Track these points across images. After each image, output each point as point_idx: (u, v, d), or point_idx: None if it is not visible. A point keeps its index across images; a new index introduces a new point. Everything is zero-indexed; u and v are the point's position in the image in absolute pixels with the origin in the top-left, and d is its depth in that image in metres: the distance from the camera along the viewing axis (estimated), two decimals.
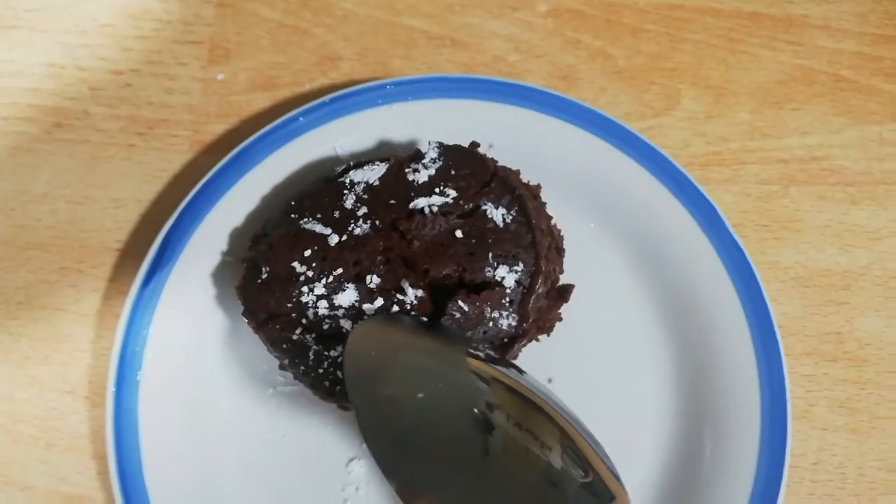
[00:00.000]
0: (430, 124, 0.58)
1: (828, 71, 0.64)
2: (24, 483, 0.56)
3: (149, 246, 0.55)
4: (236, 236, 0.56)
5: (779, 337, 0.54)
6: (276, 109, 0.63)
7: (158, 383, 0.53)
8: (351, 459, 0.54)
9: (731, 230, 0.56)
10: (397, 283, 0.49)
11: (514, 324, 0.47)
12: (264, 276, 0.49)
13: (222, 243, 0.56)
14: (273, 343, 0.50)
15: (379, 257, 0.48)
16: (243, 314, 0.51)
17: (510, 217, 0.49)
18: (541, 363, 0.55)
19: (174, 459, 0.53)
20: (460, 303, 0.46)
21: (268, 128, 0.57)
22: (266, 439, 0.55)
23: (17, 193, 0.61)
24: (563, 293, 0.52)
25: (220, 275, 0.56)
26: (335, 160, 0.58)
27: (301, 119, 0.57)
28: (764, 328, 0.55)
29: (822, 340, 0.59)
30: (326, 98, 0.58)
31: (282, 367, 0.52)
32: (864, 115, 0.63)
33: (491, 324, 0.47)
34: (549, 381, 0.56)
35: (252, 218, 0.57)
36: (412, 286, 0.48)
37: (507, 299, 0.47)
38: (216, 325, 0.56)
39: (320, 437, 0.55)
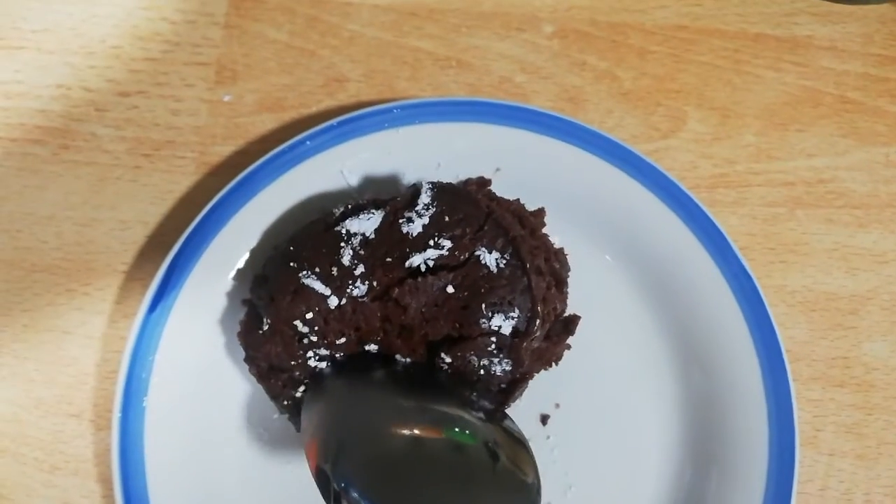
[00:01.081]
0: (437, 147, 0.58)
1: (833, 92, 0.64)
2: None
3: (155, 268, 0.55)
4: (243, 261, 0.56)
5: (787, 362, 0.54)
6: (283, 131, 0.63)
7: (164, 409, 0.53)
8: None
9: (739, 254, 0.56)
10: (394, 350, 0.49)
11: (508, 369, 0.47)
12: (265, 327, 0.49)
13: (229, 267, 0.56)
14: (275, 398, 0.50)
15: (377, 324, 0.49)
16: (245, 360, 0.51)
17: (504, 261, 0.48)
18: (547, 389, 0.55)
19: (180, 484, 0.53)
20: (443, 355, 0.47)
21: (274, 151, 0.57)
22: (272, 466, 0.55)
23: (23, 215, 0.62)
24: (569, 325, 0.52)
25: (226, 299, 0.56)
26: (342, 184, 0.58)
27: (308, 143, 0.57)
28: (772, 353, 0.54)
29: (829, 365, 0.59)
30: (333, 122, 0.58)
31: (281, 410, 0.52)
32: (870, 136, 0.63)
33: (482, 371, 0.47)
34: (557, 406, 0.56)
35: (260, 242, 0.57)
36: (408, 355, 0.49)
37: (494, 347, 0.47)
38: (222, 349, 0.56)
39: None
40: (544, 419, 0.56)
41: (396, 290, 0.47)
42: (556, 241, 0.55)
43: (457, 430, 0.45)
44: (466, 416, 0.46)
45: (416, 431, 0.44)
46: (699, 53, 0.65)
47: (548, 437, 0.55)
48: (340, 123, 0.58)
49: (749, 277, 0.55)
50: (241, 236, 0.57)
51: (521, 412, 0.56)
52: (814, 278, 0.60)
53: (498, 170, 0.58)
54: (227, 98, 0.64)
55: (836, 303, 0.60)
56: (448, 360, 0.47)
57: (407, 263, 0.48)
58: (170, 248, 0.56)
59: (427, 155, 0.58)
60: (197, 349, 0.55)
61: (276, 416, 0.55)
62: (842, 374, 0.59)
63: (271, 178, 0.57)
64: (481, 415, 0.47)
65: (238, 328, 0.53)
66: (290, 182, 0.57)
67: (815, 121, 0.64)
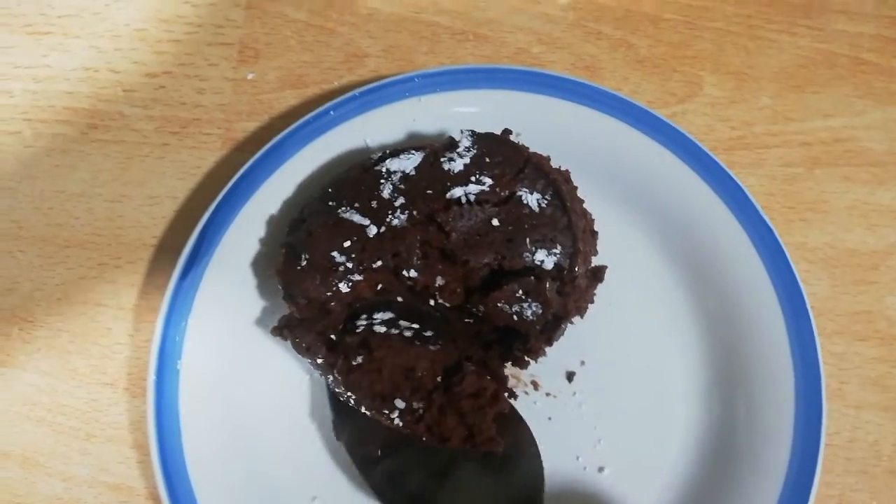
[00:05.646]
0: (458, 115, 0.59)
1: (849, 54, 0.65)
2: (66, 474, 0.57)
3: (184, 241, 0.56)
4: (271, 229, 0.58)
5: (811, 315, 0.54)
6: (306, 106, 0.64)
7: (199, 372, 0.54)
8: None
9: (761, 211, 0.56)
10: (434, 278, 0.50)
11: (539, 311, 0.48)
12: (304, 263, 0.50)
13: (258, 235, 0.57)
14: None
15: (417, 250, 0.49)
16: (284, 298, 0.52)
17: (545, 202, 0.50)
18: (572, 347, 0.56)
19: (215, 446, 0.54)
20: (479, 306, 0.49)
21: (299, 122, 0.58)
22: (307, 425, 0.56)
23: (54, 193, 0.63)
24: (598, 274, 0.53)
25: (256, 265, 0.57)
26: (366, 152, 0.59)
27: (332, 113, 0.59)
28: (796, 308, 0.55)
29: (853, 320, 0.59)
30: (356, 92, 0.59)
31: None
32: (886, 96, 0.64)
33: (516, 318, 0.48)
34: (582, 363, 0.57)
35: (286, 211, 0.58)
36: (447, 294, 0.50)
37: (522, 293, 0.48)
38: (254, 313, 0.57)
39: None
40: (570, 376, 0.57)
41: (441, 215, 0.49)
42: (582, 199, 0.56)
43: None
44: None
45: None
46: (713, 20, 0.66)
47: (574, 394, 0.56)
48: (363, 94, 0.59)
49: (772, 233, 0.56)
50: (268, 206, 0.58)
51: (547, 370, 0.57)
52: (834, 235, 0.61)
53: (519, 135, 0.58)
54: (250, 76, 0.66)
55: (857, 258, 0.60)
56: (482, 308, 0.48)
57: (448, 195, 0.49)
58: (198, 221, 0.57)
59: (449, 123, 0.59)
60: (229, 314, 0.56)
61: (308, 378, 0.56)
62: (865, 328, 0.59)
63: (297, 148, 0.58)
64: None
65: (268, 295, 0.54)
66: (316, 152, 0.59)
67: (831, 82, 0.64)
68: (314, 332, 0.50)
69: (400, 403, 0.49)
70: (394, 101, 0.59)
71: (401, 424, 0.50)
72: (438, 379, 0.50)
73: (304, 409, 0.56)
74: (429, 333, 0.51)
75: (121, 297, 0.61)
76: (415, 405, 0.50)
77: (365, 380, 0.50)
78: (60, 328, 0.60)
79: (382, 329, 0.51)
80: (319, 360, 0.50)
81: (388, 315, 0.51)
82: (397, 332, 0.50)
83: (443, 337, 0.51)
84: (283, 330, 0.51)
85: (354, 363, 0.50)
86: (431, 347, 0.50)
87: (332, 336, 0.51)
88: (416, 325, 0.51)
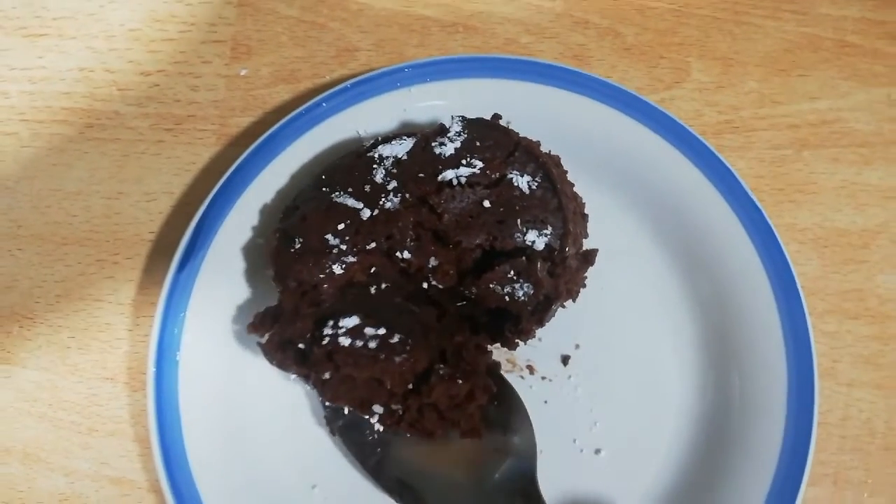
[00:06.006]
0: (449, 104, 0.60)
1: (833, 37, 0.66)
2: (68, 468, 0.58)
3: (181, 236, 0.57)
4: (266, 220, 0.58)
5: (802, 294, 0.55)
6: (299, 101, 0.65)
7: (198, 365, 0.55)
8: None
9: (750, 192, 0.57)
10: (427, 260, 0.50)
11: (530, 292, 0.48)
12: (297, 246, 0.51)
13: (253, 227, 0.58)
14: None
15: (410, 232, 0.50)
16: (273, 279, 0.52)
17: (535, 184, 0.51)
18: (566, 330, 0.57)
19: (216, 437, 0.54)
20: (472, 288, 0.49)
21: (291, 115, 0.59)
22: (306, 414, 0.56)
23: (51, 192, 0.64)
24: (588, 257, 0.54)
25: (251, 256, 0.58)
26: (359, 143, 0.60)
27: (324, 105, 0.59)
28: (787, 288, 0.55)
29: (844, 298, 0.60)
30: (347, 84, 0.60)
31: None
32: (870, 77, 0.65)
33: (507, 298, 0.49)
34: (577, 346, 0.58)
35: (281, 203, 0.58)
36: (440, 275, 0.50)
37: (514, 273, 0.49)
38: (250, 304, 0.57)
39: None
40: (565, 360, 0.57)
41: (433, 197, 0.49)
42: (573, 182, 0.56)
43: None
44: None
45: None
46: (699, 7, 0.67)
47: (569, 377, 0.57)
48: (354, 85, 0.60)
49: (761, 215, 0.56)
50: (263, 198, 0.58)
51: (543, 354, 0.57)
52: (823, 216, 0.62)
53: (509, 123, 0.59)
54: (243, 72, 0.66)
55: (847, 238, 0.61)
56: (474, 290, 0.48)
57: (440, 178, 0.50)
58: (194, 215, 0.57)
59: (439, 111, 0.60)
60: (226, 306, 0.57)
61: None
62: (856, 306, 0.59)
63: (289, 140, 0.59)
64: None
65: (265, 285, 0.55)
66: (308, 144, 0.59)
67: (816, 65, 0.65)
68: (285, 340, 0.50)
69: (378, 409, 0.51)
70: (385, 91, 0.60)
71: (381, 429, 0.52)
72: (410, 387, 0.50)
73: (304, 398, 0.57)
74: (395, 339, 0.50)
75: (119, 292, 0.61)
76: (393, 407, 0.51)
77: (340, 390, 0.50)
78: (60, 325, 0.61)
79: (347, 341, 0.49)
80: (292, 377, 0.51)
81: (353, 321, 0.50)
82: (362, 343, 0.49)
83: (413, 336, 0.50)
84: (258, 328, 0.51)
85: (324, 378, 0.50)
86: (397, 359, 0.49)
87: (301, 345, 0.50)
88: (381, 332, 0.50)
